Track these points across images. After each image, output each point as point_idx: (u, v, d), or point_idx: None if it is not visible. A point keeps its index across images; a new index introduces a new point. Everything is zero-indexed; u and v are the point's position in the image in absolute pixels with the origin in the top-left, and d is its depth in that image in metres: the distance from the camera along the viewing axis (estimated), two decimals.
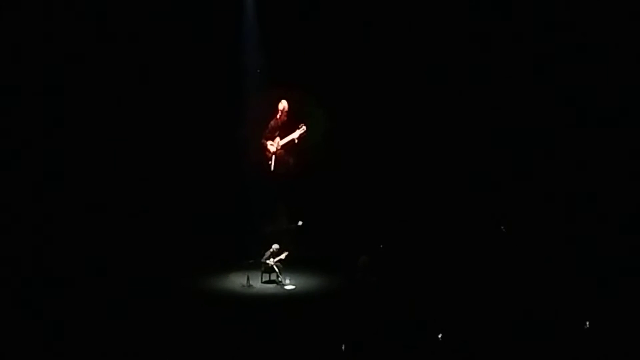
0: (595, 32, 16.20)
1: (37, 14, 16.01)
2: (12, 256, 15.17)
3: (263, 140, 17.55)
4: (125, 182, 17.01)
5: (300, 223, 17.64)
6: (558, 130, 16.78)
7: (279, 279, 16.23)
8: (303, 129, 17.36)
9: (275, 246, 16.42)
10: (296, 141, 17.44)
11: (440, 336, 11.89)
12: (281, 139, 17.49)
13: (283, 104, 17.39)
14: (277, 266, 16.27)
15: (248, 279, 16.05)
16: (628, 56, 16.09)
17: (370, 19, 17.28)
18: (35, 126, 16.21)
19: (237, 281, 16.18)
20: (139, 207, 17.09)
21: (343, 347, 11.61)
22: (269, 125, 17.54)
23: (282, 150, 17.54)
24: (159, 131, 17.21)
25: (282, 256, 16.35)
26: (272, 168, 17.50)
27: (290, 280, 16.25)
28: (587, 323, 12.25)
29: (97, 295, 14.33)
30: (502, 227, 17.09)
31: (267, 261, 16.27)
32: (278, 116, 17.46)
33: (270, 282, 16.29)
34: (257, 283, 16.20)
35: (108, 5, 16.55)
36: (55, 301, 13.83)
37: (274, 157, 17.49)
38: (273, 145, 17.48)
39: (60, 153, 16.53)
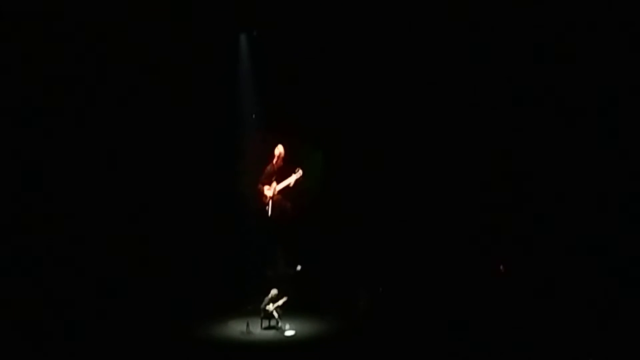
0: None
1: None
2: None
3: (259, 186, 17.51)
4: (121, 225, 16.85)
5: (299, 268, 17.52)
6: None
7: (279, 324, 16.02)
8: (299, 173, 17.36)
9: (274, 291, 16.24)
10: (292, 186, 17.44)
11: None
12: (278, 183, 17.47)
13: (279, 149, 17.40)
14: (276, 312, 16.08)
15: (248, 325, 15.82)
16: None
17: (366, 64, 17.34)
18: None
19: (237, 328, 15.90)
20: (135, 252, 16.86)
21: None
22: (265, 171, 17.52)
23: (279, 195, 17.50)
24: (155, 175, 17.15)
25: (281, 302, 16.18)
26: (269, 213, 17.44)
27: (290, 325, 16.03)
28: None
29: (88, 339, 14.14)
30: (501, 267, 16.98)
31: (266, 307, 16.08)
32: (274, 161, 17.46)
33: (270, 328, 16.04)
34: (257, 329, 15.92)
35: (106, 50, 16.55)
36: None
37: (270, 202, 17.44)
38: (270, 191, 17.43)
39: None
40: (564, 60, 16.28)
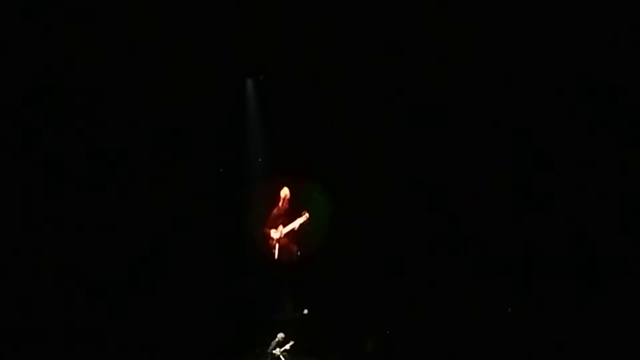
0: None
1: None
2: None
3: (266, 229, 17.54)
4: (128, 269, 16.75)
5: (305, 311, 17.44)
6: None
7: None
8: (306, 216, 17.39)
9: (281, 335, 16.18)
10: (298, 229, 17.45)
11: None
12: (284, 227, 17.48)
13: (285, 192, 17.48)
14: (283, 356, 15.99)
15: None
16: None
17: (370, 108, 17.42)
18: None
19: None
20: (141, 297, 16.75)
21: None
22: (272, 214, 17.58)
23: (285, 239, 17.51)
24: (163, 218, 17.09)
25: (288, 346, 16.10)
26: (276, 256, 17.44)
27: None
28: None
29: None
30: (509, 309, 16.90)
31: (274, 351, 15.99)
32: (280, 204, 17.52)
33: None
34: None
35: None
36: None
37: (277, 245, 17.44)
38: (276, 234, 17.45)
39: None
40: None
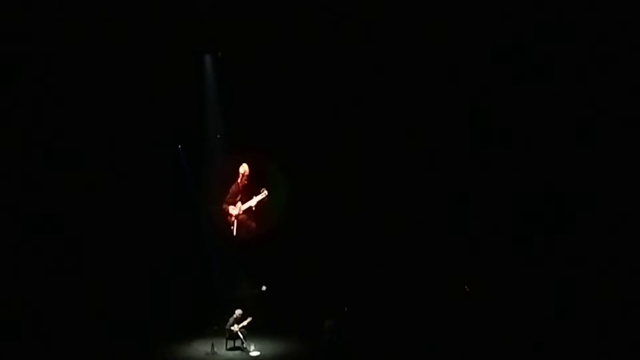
0: None
1: None
2: None
3: (224, 205, 17.51)
4: (85, 245, 16.79)
5: (264, 288, 17.47)
6: None
7: (244, 345, 15.95)
8: (265, 193, 17.36)
9: (239, 312, 16.20)
10: (254, 207, 17.44)
11: None
12: (242, 203, 17.46)
13: (244, 168, 17.42)
14: (241, 332, 16.02)
15: (212, 346, 15.75)
16: None
17: (331, 84, 17.38)
18: None
19: (201, 349, 15.85)
20: (98, 271, 16.78)
21: None
22: (230, 190, 17.53)
23: (244, 215, 17.49)
24: (120, 193, 17.06)
25: (246, 322, 16.14)
26: (234, 233, 17.43)
27: (255, 346, 15.99)
28: None
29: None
30: (466, 287, 17.06)
31: (231, 327, 16.02)
32: (239, 180, 17.47)
33: (235, 348, 15.99)
34: (222, 350, 15.87)
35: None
36: None
37: (235, 222, 17.43)
38: (235, 210, 17.43)
39: None
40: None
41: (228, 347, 16.02)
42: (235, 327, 16.02)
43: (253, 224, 17.46)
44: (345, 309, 16.90)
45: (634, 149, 15.31)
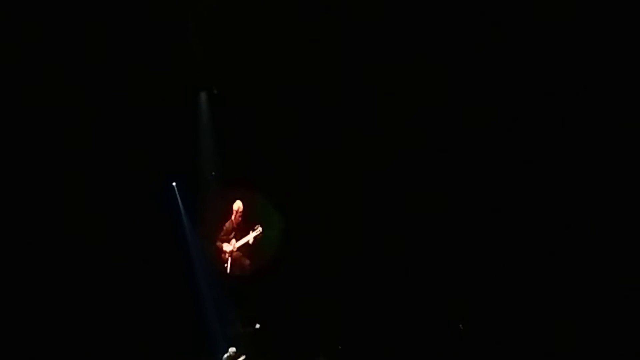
0: None
1: None
2: None
3: (218, 243, 17.47)
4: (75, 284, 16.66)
5: (257, 326, 17.36)
6: None
7: None
8: (259, 230, 17.35)
9: (232, 350, 16.12)
10: (251, 243, 17.40)
11: None
12: (237, 240, 17.42)
13: (238, 205, 17.42)
14: None
15: None
16: None
17: (325, 123, 17.44)
18: None
19: None
20: (89, 309, 16.63)
21: None
22: (224, 227, 17.52)
23: (238, 252, 17.45)
24: (113, 232, 16.99)
25: None
26: (228, 270, 17.37)
27: None
28: None
29: None
30: (460, 326, 16.99)
31: None
32: (233, 217, 17.46)
33: None
34: None
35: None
36: None
37: (229, 259, 17.37)
38: (228, 247, 17.39)
39: None
40: None
41: None
42: None
43: (247, 262, 17.42)
44: (340, 347, 16.81)
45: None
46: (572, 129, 15.85)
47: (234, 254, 17.35)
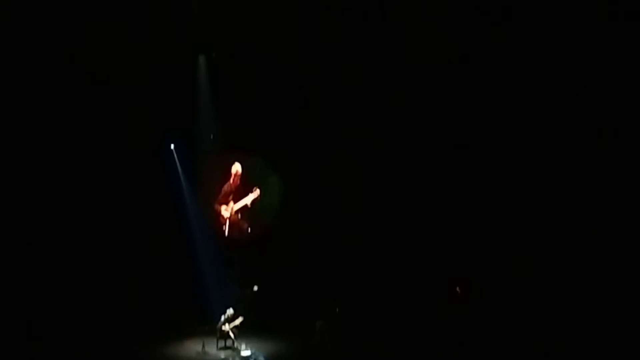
0: None
1: None
2: None
3: (216, 205, 17.45)
4: (75, 242, 16.71)
5: (255, 288, 17.36)
6: None
7: (235, 345, 15.84)
8: (257, 193, 17.30)
9: (230, 311, 16.11)
10: (249, 206, 17.38)
11: None
12: (235, 203, 17.40)
13: (236, 168, 17.37)
14: (232, 332, 15.93)
15: (203, 345, 15.65)
16: None
17: (324, 86, 17.44)
18: None
19: (192, 348, 15.74)
20: (88, 270, 16.70)
21: None
22: (222, 190, 17.47)
23: (236, 215, 17.42)
24: (112, 193, 17.05)
25: (238, 322, 16.06)
26: (226, 233, 17.35)
27: (246, 346, 15.88)
28: None
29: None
30: (457, 288, 17.03)
31: (223, 327, 15.93)
32: (231, 180, 17.42)
33: (226, 348, 15.85)
34: (213, 349, 15.76)
35: None
36: None
37: (227, 222, 17.35)
38: (227, 210, 17.36)
39: None
40: None
41: (219, 346, 15.89)
42: (227, 327, 15.92)
43: (245, 224, 17.38)
44: (337, 309, 16.84)
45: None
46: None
47: (232, 216, 17.29)
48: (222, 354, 15.64)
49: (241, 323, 16.05)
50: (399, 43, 16.97)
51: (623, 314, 14.57)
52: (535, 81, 16.26)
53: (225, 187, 17.40)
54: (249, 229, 17.37)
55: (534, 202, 16.40)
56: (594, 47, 15.59)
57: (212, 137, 17.84)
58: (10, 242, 16.02)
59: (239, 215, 17.38)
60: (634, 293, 14.83)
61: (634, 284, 14.96)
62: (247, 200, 17.28)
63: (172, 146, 17.59)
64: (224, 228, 17.31)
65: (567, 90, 15.97)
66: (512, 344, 14.44)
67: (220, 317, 16.00)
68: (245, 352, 15.68)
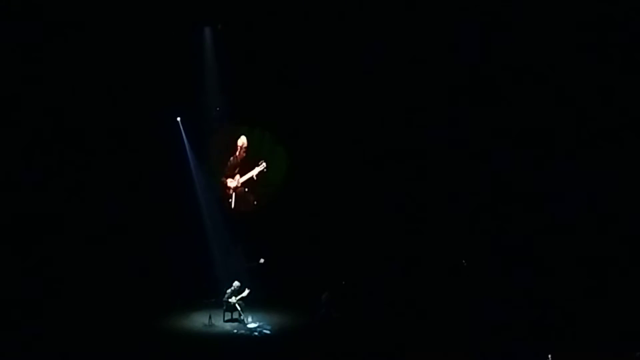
0: None
1: None
2: None
3: (223, 178, 17.51)
4: (88, 219, 16.84)
5: (262, 260, 17.51)
6: None
7: (241, 317, 16.02)
8: (263, 165, 17.37)
9: (237, 284, 16.27)
10: (255, 178, 17.44)
11: None
12: (241, 176, 17.45)
13: (242, 140, 17.41)
14: (239, 304, 16.09)
15: (210, 317, 15.84)
16: None
17: (331, 60, 17.28)
18: None
19: (199, 320, 15.96)
20: (96, 243, 16.85)
21: None
22: (229, 163, 17.54)
23: (242, 188, 17.49)
24: (119, 170, 17.03)
25: (244, 294, 16.22)
26: (233, 205, 17.44)
27: (252, 318, 16.08)
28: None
29: (55, 336, 14.12)
30: (464, 261, 17.13)
31: (229, 299, 16.11)
32: (237, 153, 17.46)
33: (232, 320, 16.06)
34: (219, 322, 15.97)
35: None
36: None
37: (234, 194, 17.43)
38: (233, 182, 17.43)
39: None
40: None
41: (226, 318, 16.10)
42: (233, 299, 16.09)
43: (252, 196, 17.46)
44: (343, 282, 16.98)
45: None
46: None
47: (238, 189, 17.40)
48: (229, 326, 15.89)
49: (247, 295, 16.24)
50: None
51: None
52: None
53: (232, 160, 17.49)
54: (255, 201, 17.47)
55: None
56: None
57: (217, 109, 17.75)
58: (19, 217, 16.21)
59: (245, 188, 17.48)
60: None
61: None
62: (253, 173, 17.36)
63: (179, 119, 17.47)
64: (230, 200, 17.41)
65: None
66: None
67: (226, 290, 16.22)
68: (252, 325, 15.92)
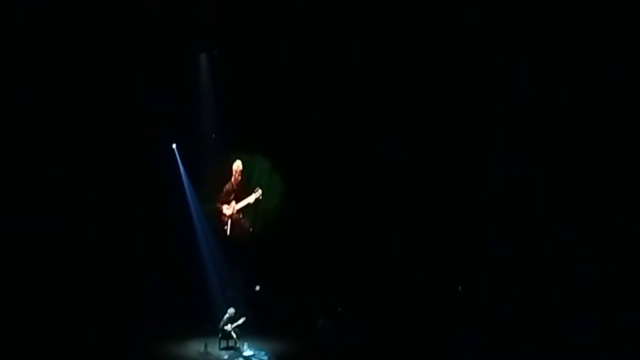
0: None
1: None
2: None
3: (218, 204, 17.46)
4: (85, 245, 16.70)
5: (257, 288, 17.41)
6: None
7: (237, 344, 15.90)
8: (259, 192, 17.33)
9: (232, 311, 16.15)
10: (252, 205, 17.40)
11: None
12: (237, 202, 17.41)
13: (237, 164, 17.41)
14: (234, 332, 15.97)
15: (205, 345, 15.71)
16: None
17: (327, 86, 17.31)
18: None
19: (195, 348, 15.81)
20: (92, 271, 16.69)
21: None
22: (225, 189, 17.49)
23: (237, 215, 17.44)
24: (115, 192, 16.95)
25: (240, 321, 16.10)
26: (228, 232, 17.38)
27: (248, 346, 15.95)
28: None
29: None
30: (460, 288, 17.07)
31: (225, 327, 15.98)
32: (233, 178, 17.43)
33: (228, 348, 15.92)
34: (215, 350, 15.82)
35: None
36: None
37: (229, 221, 17.37)
38: (229, 210, 17.38)
39: None
40: None
41: (221, 346, 15.96)
42: (229, 327, 15.97)
43: (247, 223, 17.41)
44: (339, 309, 16.88)
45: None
46: None
47: (234, 216, 17.34)
48: (225, 354, 15.75)
49: (243, 323, 16.09)
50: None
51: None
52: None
53: (227, 186, 17.46)
54: (251, 228, 17.42)
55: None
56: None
57: (213, 136, 17.74)
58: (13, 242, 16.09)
59: (241, 214, 17.43)
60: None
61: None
62: (249, 199, 17.33)
63: (174, 145, 17.44)
64: (225, 227, 17.36)
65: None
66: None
67: (222, 317, 16.08)
68: (248, 352, 15.78)
